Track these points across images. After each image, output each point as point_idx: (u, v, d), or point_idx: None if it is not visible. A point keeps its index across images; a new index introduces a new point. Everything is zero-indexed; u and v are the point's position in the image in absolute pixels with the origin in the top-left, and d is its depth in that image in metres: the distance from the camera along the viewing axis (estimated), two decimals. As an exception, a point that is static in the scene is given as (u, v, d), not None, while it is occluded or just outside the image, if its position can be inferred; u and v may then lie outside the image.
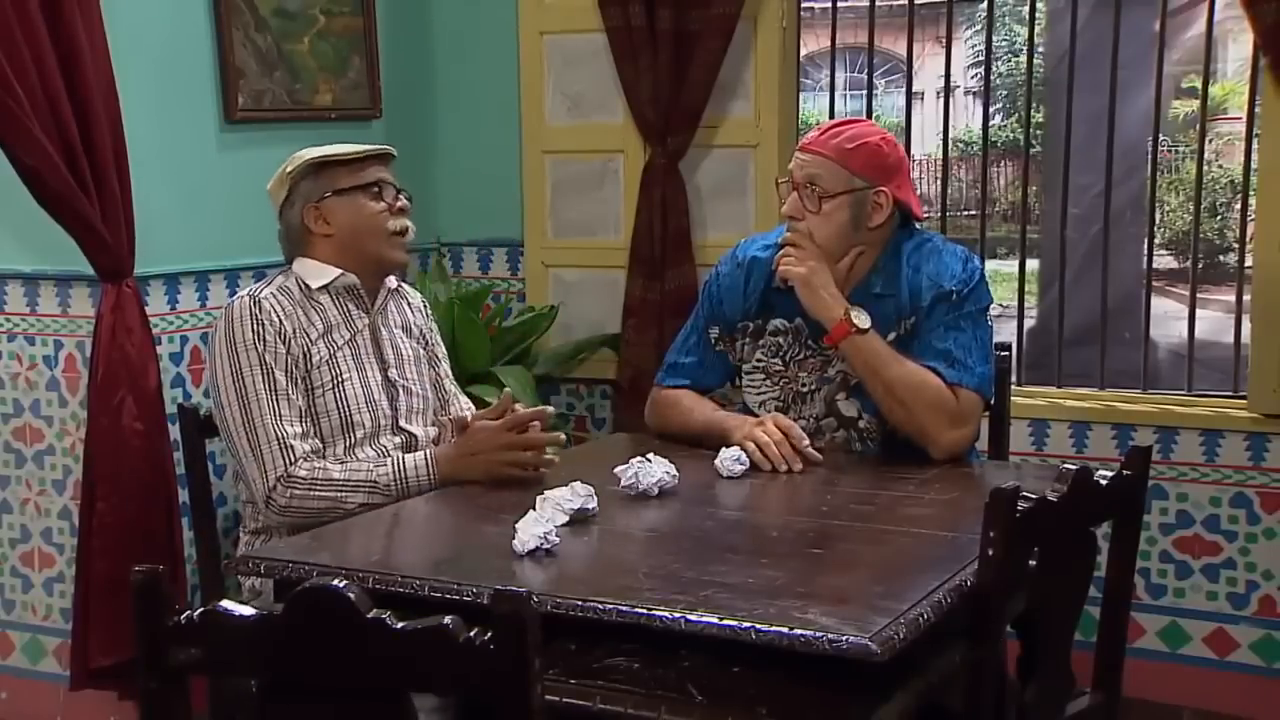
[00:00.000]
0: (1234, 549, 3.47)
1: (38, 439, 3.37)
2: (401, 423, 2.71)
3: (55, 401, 3.33)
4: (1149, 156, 4.58)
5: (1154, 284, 4.71)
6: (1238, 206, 6.70)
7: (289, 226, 2.71)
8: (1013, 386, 3.24)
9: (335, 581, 1.41)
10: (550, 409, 2.61)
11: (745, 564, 2.02)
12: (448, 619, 1.37)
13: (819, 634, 1.68)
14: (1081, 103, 3.99)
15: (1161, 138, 4.77)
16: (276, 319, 2.59)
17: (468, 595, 1.88)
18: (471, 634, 1.36)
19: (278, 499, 2.52)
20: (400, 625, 1.38)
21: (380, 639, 1.38)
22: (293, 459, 2.52)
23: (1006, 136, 13.09)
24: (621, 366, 3.84)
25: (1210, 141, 8.01)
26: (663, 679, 1.82)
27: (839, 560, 2.08)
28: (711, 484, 2.47)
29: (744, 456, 2.52)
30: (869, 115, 4.25)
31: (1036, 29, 5.34)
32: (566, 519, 2.15)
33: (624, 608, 1.80)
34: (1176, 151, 11.74)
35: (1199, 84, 4.71)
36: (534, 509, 2.11)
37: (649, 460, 2.36)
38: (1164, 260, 9.90)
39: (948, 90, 5.14)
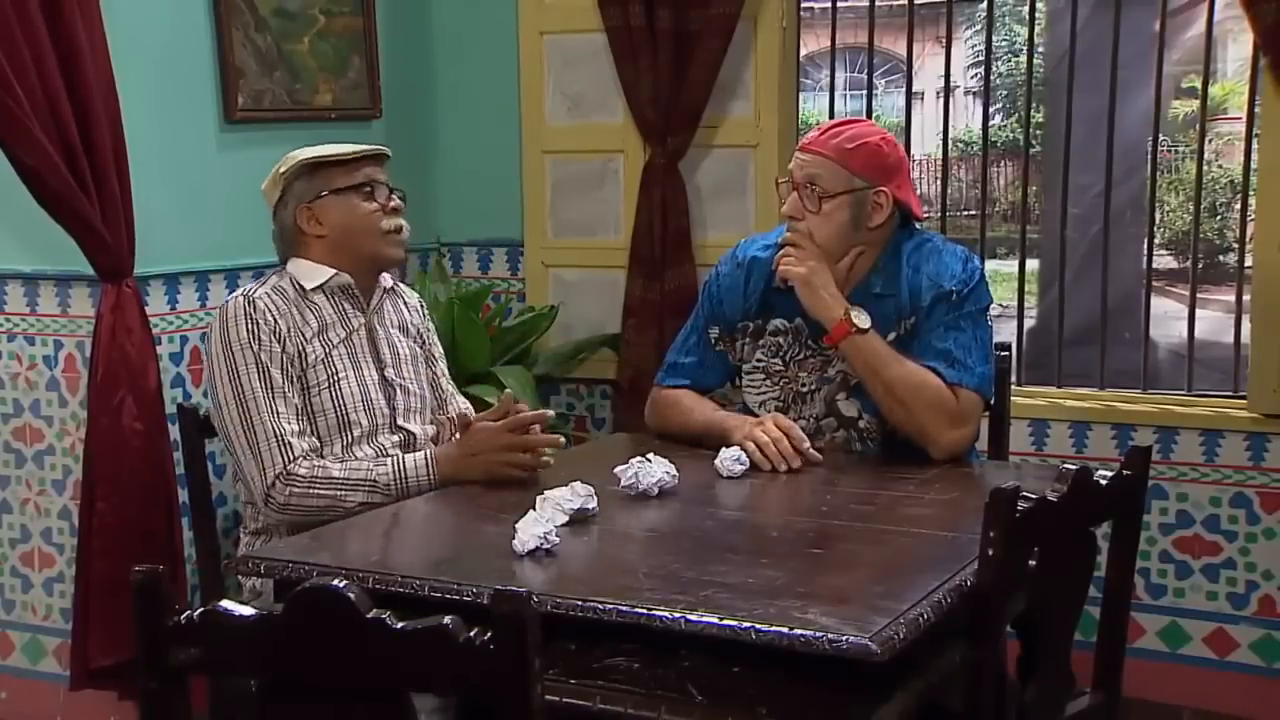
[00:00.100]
0: (1234, 549, 3.47)
1: (38, 439, 3.37)
2: (400, 421, 2.71)
3: (55, 401, 3.33)
4: (1149, 156, 4.58)
5: (1154, 284, 4.71)
6: (1238, 206, 6.69)
7: (282, 227, 2.72)
8: (1013, 386, 3.24)
9: (335, 581, 1.41)
10: (550, 413, 2.61)
11: (745, 564, 2.02)
12: (448, 619, 1.37)
13: (819, 634, 1.68)
14: (1081, 103, 3.99)
15: (1161, 138, 4.77)
16: (271, 318, 2.59)
17: (468, 595, 1.88)
18: (471, 634, 1.36)
19: (277, 496, 2.52)
20: (400, 625, 1.38)
21: (380, 639, 1.38)
22: (291, 456, 2.52)
23: (1006, 136, 13.09)
24: (621, 366, 3.84)
25: (1210, 141, 8.02)
26: (663, 679, 1.82)
27: (839, 560, 2.08)
28: (711, 484, 2.47)
29: (744, 456, 2.52)
30: (869, 115, 4.25)
31: (1036, 29, 5.35)
32: (566, 519, 2.15)
33: (624, 608, 1.80)
34: (1176, 151, 11.74)
35: (1199, 84, 4.71)
36: (534, 509, 2.11)
37: (649, 460, 2.36)
38: (1164, 260, 9.90)
39: (948, 90, 5.14)
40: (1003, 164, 13.28)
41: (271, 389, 2.55)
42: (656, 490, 2.33)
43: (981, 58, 10.39)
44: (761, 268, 2.73)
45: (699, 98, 3.68)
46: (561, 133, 4.00)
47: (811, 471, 2.53)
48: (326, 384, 2.62)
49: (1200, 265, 5.69)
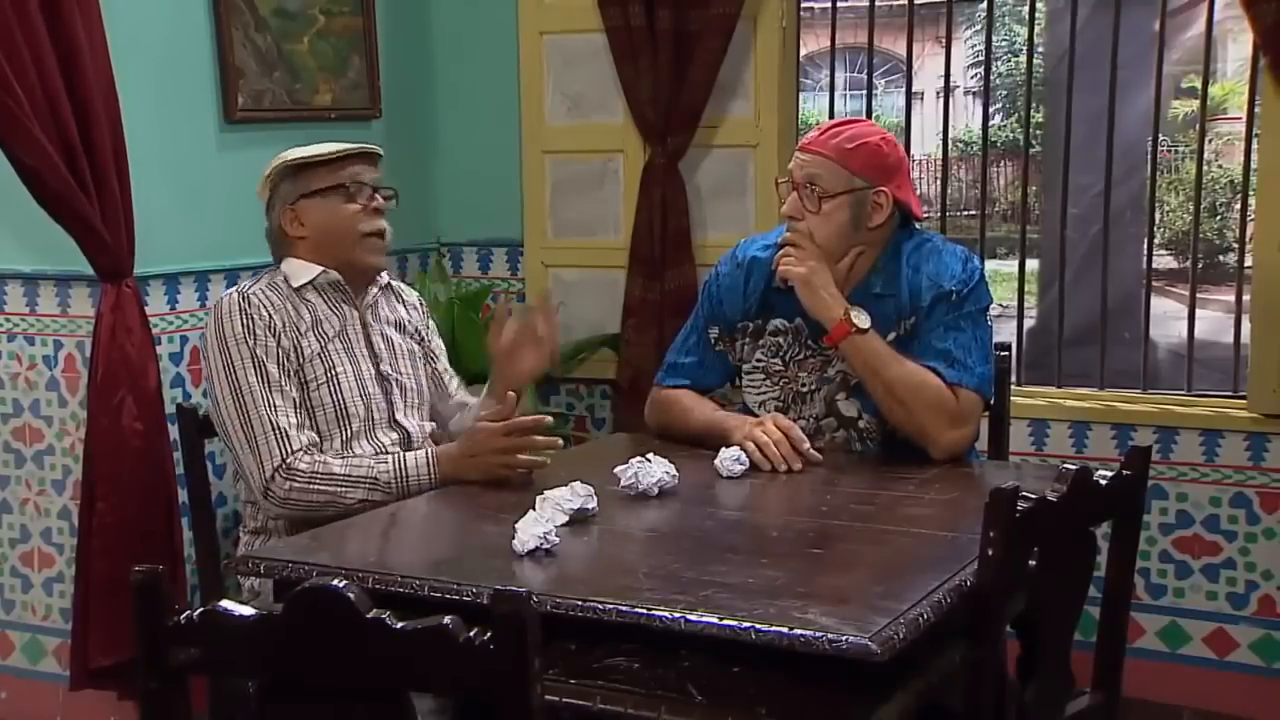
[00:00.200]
0: (1234, 549, 3.47)
1: (37, 439, 3.37)
2: (397, 416, 2.71)
3: (55, 401, 3.33)
4: (1149, 156, 4.58)
5: (1154, 284, 4.71)
6: (1237, 206, 6.69)
7: (271, 229, 2.73)
8: (1013, 386, 3.24)
9: (335, 581, 1.41)
10: (549, 418, 2.60)
11: (745, 564, 2.02)
12: (447, 619, 1.37)
13: (819, 634, 1.68)
14: (1081, 103, 3.99)
15: (1161, 138, 4.77)
16: (266, 313, 2.59)
17: (468, 595, 1.88)
18: (471, 634, 1.36)
19: (276, 490, 2.52)
20: (400, 625, 1.38)
21: (380, 639, 1.38)
22: (290, 449, 2.52)
23: (1006, 136, 13.09)
24: (621, 366, 3.84)
25: (1210, 141, 8.02)
26: (663, 679, 1.82)
27: (839, 560, 2.08)
28: (711, 484, 2.47)
29: (744, 456, 2.52)
30: (869, 115, 4.25)
31: (1036, 29, 5.35)
32: (566, 519, 2.15)
33: (624, 608, 1.80)
34: (1176, 151, 11.75)
35: (1199, 84, 4.71)
36: (534, 509, 2.11)
37: (649, 460, 2.36)
38: (1164, 260, 9.91)
39: (947, 90, 5.13)
40: (1003, 164, 13.29)
41: (268, 382, 2.56)
42: (656, 490, 2.33)
43: (981, 58, 10.39)
44: (761, 268, 2.72)
45: (699, 98, 3.68)
46: (561, 133, 4.00)
47: (811, 471, 2.53)
48: (324, 378, 2.62)
49: (1200, 265, 5.70)
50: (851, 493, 2.43)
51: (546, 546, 2.02)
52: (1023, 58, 5.54)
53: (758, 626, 1.72)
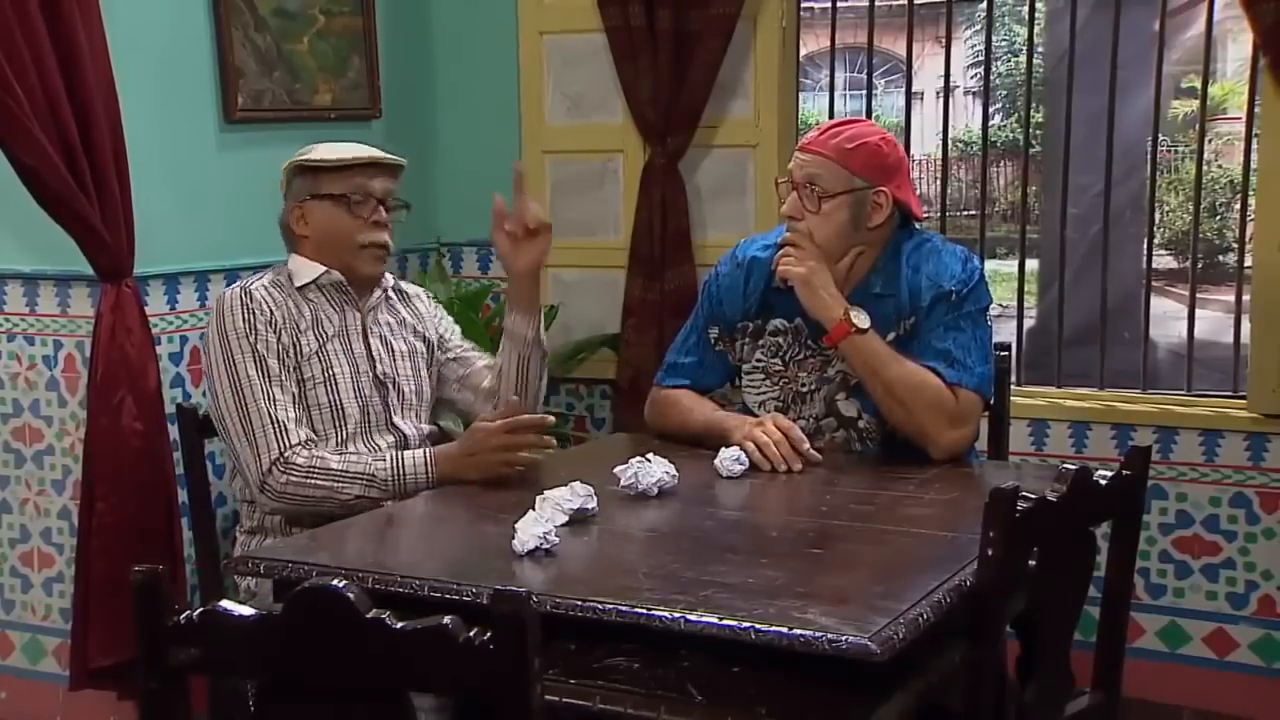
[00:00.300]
0: (1233, 549, 3.47)
1: (37, 439, 3.37)
2: (395, 420, 2.71)
3: (55, 401, 3.33)
4: (1149, 156, 4.58)
5: (1154, 284, 4.71)
6: (1237, 206, 6.69)
7: (282, 222, 2.75)
8: (1012, 386, 3.24)
9: (334, 581, 1.41)
10: (550, 418, 2.61)
11: (745, 564, 2.02)
12: (447, 619, 1.37)
13: (819, 634, 1.68)
14: (1081, 103, 3.99)
15: (1161, 138, 4.77)
16: (267, 309, 2.60)
17: (468, 595, 1.87)
18: (471, 634, 1.36)
19: (273, 483, 2.52)
20: (400, 625, 1.38)
21: (380, 639, 1.38)
22: (288, 444, 2.53)
23: (1006, 136, 13.09)
24: (621, 366, 3.84)
25: (1210, 141, 8.02)
26: (663, 679, 1.82)
27: (839, 560, 2.08)
28: (711, 484, 2.47)
29: (744, 456, 2.52)
30: (869, 115, 4.25)
31: (1036, 29, 5.35)
32: (566, 519, 2.15)
33: (624, 608, 1.80)
34: (1176, 151, 11.75)
35: (1199, 84, 4.71)
36: (534, 509, 2.11)
37: (649, 460, 2.36)
38: (1164, 260, 9.90)
39: (947, 90, 5.14)
40: (1003, 164, 13.29)
41: (268, 376, 2.56)
42: (656, 490, 2.33)
43: (981, 58, 10.39)
44: (761, 268, 2.72)
45: (699, 98, 3.68)
46: (561, 133, 4.00)
47: (811, 471, 2.53)
48: (320, 378, 2.63)
49: (1200, 265, 5.70)
50: (851, 493, 2.43)
51: (546, 546, 2.02)
52: (1023, 58, 5.54)
53: (757, 626, 1.71)
